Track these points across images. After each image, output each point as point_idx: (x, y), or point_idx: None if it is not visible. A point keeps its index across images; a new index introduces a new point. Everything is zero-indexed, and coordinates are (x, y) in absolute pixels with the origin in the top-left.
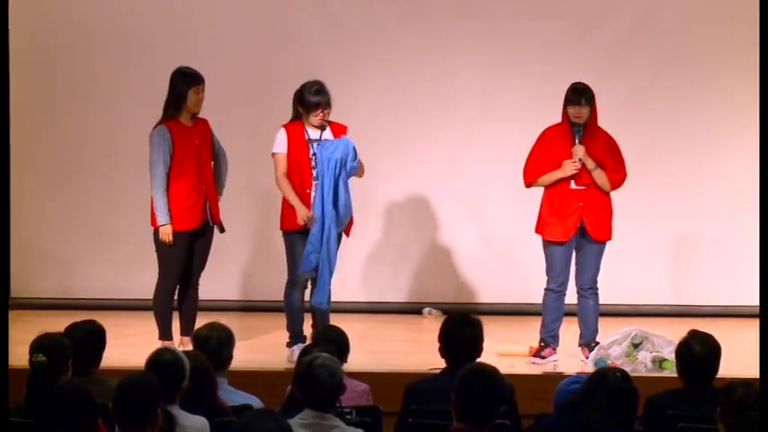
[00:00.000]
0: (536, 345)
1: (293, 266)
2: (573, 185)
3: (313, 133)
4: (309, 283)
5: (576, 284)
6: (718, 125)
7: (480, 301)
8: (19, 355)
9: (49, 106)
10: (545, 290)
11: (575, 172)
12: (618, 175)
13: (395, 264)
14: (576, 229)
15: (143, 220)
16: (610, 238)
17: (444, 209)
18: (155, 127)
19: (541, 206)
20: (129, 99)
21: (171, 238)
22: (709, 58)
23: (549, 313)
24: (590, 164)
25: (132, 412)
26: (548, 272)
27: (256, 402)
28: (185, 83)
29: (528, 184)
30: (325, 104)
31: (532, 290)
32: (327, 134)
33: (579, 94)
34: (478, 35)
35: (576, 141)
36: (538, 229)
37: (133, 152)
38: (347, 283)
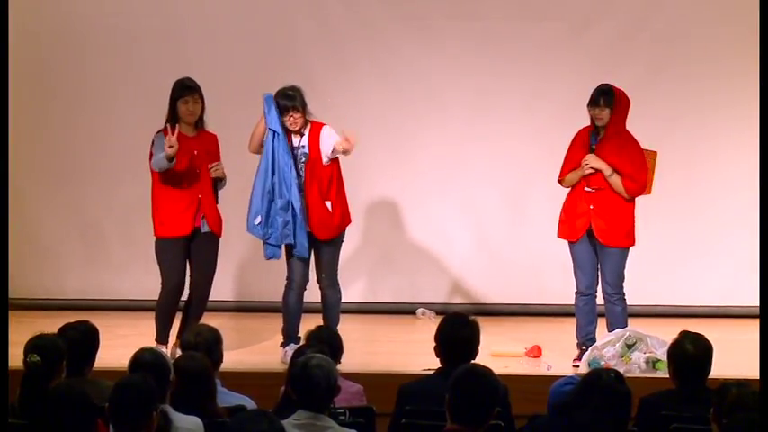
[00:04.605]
0: (530, 346)
1: (291, 267)
2: (586, 188)
3: (295, 140)
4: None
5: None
6: (715, 124)
7: (474, 301)
8: (13, 356)
9: (43, 107)
10: (574, 293)
11: (589, 173)
12: (633, 183)
13: (389, 264)
14: (584, 231)
15: (137, 221)
16: (626, 245)
17: (438, 209)
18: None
19: (562, 207)
20: (125, 100)
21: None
22: (706, 58)
23: (581, 317)
24: (606, 169)
25: (128, 414)
26: (574, 275)
27: (250, 403)
28: (174, 94)
29: (559, 183)
30: (292, 107)
31: (526, 291)
32: (304, 141)
33: (598, 96)
34: (473, 35)
35: (592, 145)
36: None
37: (128, 153)
38: (341, 283)
